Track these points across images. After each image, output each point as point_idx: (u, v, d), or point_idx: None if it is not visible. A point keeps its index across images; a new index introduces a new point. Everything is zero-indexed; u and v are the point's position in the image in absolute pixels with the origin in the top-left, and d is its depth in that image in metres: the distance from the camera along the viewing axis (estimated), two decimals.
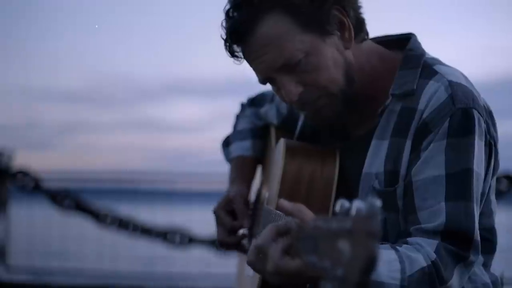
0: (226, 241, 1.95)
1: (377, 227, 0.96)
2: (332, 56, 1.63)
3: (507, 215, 5.58)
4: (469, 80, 1.68)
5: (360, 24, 1.68)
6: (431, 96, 1.61)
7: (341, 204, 1.02)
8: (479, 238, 1.58)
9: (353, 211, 0.99)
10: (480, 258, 1.68)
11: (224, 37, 1.67)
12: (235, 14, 1.64)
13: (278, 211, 1.61)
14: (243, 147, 2.13)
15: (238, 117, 2.23)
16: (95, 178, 7.38)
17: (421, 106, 1.61)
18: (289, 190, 1.73)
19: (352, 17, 1.65)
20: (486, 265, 1.72)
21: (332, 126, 1.83)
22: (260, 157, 2.14)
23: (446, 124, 1.58)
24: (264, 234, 1.37)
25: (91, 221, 6.29)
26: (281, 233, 1.35)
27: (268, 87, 1.74)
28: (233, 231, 1.94)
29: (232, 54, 1.68)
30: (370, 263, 0.96)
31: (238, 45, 1.67)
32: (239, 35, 1.64)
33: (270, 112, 2.12)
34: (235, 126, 2.22)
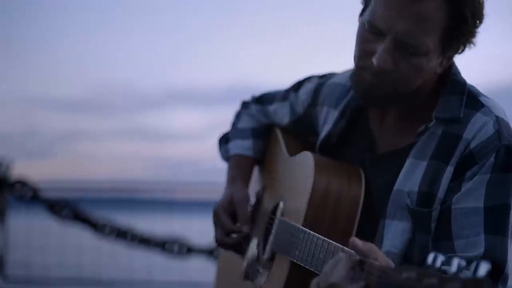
0: (224, 242, 1.94)
1: None
2: (430, 71, 1.65)
3: None
4: (505, 113, 1.71)
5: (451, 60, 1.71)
6: (480, 128, 1.63)
7: (435, 256, 1.00)
8: (508, 271, 1.62)
9: (453, 270, 0.96)
10: None
11: None
12: None
13: (309, 230, 1.65)
14: (243, 146, 2.10)
15: (239, 114, 2.19)
16: (94, 187, 7.37)
17: (467, 135, 1.63)
18: (317, 208, 1.73)
19: (456, 53, 1.69)
20: None
21: (358, 136, 1.83)
22: (260, 158, 2.12)
23: (492, 159, 1.61)
24: (339, 270, 1.34)
25: (89, 231, 6.28)
26: (353, 267, 1.32)
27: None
28: (232, 233, 1.92)
29: None
30: None
31: None
32: None
33: (281, 110, 2.08)
34: (234, 123, 2.18)
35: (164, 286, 6.51)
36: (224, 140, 2.18)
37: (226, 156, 2.15)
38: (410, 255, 1.65)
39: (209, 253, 6.03)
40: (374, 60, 1.62)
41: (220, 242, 1.95)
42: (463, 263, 0.95)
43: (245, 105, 2.19)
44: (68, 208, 6.33)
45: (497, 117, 1.65)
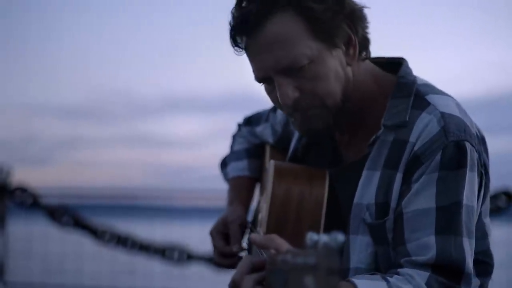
0: (220, 263, 1.95)
1: (337, 263, 0.98)
2: (335, 69, 1.61)
3: (506, 231, 5.57)
4: (462, 107, 1.67)
5: (365, 43, 1.66)
6: (423, 128, 1.60)
7: (310, 237, 1.04)
8: (471, 270, 1.58)
9: (320, 245, 1.00)
10: (476, 281, 1.68)
11: (231, 24, 1.62)
12: (248, 4, 1.59)
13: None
14: (239, 168, 2.12)
15: (234, 137, 2.22)
16: (94, 194, 7.36)
17: (412, 138, 1.60)
18: (278, 212, 1.71)
19: (360, 35, 1.64)
20: (483, 287, 1.71)
21: (322, 149, 1.83)
22: (257, 176, 2.13)
23: (438, 157, 1.57)
24: (239, 268, 1.39)
25: (89, 237, 6.28)
26: (256, 268, 1.37)
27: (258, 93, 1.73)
28: (226, 254, 1.94)
29: (235, 43, 1.64)
30: None
31: (243, 37, 1.62)
32: (247, 26, 1.59)
33: (265, 131, 2.12)
34: (231, 147, 2.21)
35: None
36: (223, 165, 2.20)
37: (226, 179, 2.17)
38: (377, 270, 1.62)
39: (209, 260, 6.03)
40: (281, 103, 1.62)
41: (217, 264, 1.97)
42: (327, 239, 1.00)
43: (238, 127, 2.22)
44: (68, 214, 6.33)
45: (442, 114, 1.60)
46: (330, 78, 1.61)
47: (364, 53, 1.67)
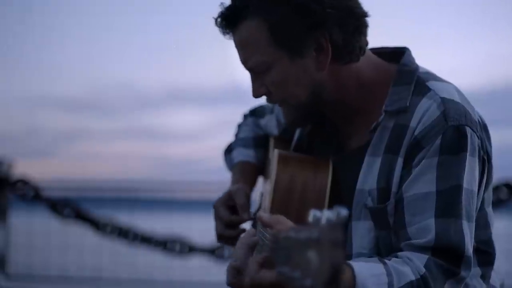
0: (224, 234, 1.93)
1: (341, 236, 0.98)
2: (295, 76, 1.67)
3: (507, 223, 5.58)
4: (463, 94, 1.69)
5: (347, 46, 1.66)
6: (423, 113, 1.61)
7: (313, 214, 1.04)
8: (470, 254, 1.58)
9: (323, 221, 1.00)
10: (478, 270, 1.69)
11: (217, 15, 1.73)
12: (228, 3, 1.71)
13: (262, 230, 1.61)
14: (246, 154, 2.13)
15: (240, 126, 2.23)
16: (96, 186, 7.37)
17: (413, 123, 1.62)
18: (281, 200, 1.73)
19: (337, 39, 1.64)
20: (485, 277, 1.72)
21: (325, 137, 1.84)
22: (262, 167, 2.14)
23: (438, 141, 1.58)
24: (238, 253, 1.41)
25: (91, 230, 6.29)
26: (252, 247, 1.40)
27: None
28: (231, 225, 1.93)
29: (222, 32, 1.74)
30: (336, 272, 0.97)
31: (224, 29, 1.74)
32: (225, 23, 1.71)
33: (270, 123, 2.13)
34: (237, 134, 2.22)
35: (165, 285, 6.52)
36: (228, 152, 2.21)
37: (230, 165, 2.17)
38: (380, 254, 1.64)
39: (210, 252, 6.04)
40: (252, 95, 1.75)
41: (220, 236, 1.95)
42: (331, 214, 1.00)
43: (244, 117, 2.24)
44: (70, 207, 6.35)
45: (442, 99, 1.62)
46: (288, 84, 1.68)
47: (349, 55, 1.67)
